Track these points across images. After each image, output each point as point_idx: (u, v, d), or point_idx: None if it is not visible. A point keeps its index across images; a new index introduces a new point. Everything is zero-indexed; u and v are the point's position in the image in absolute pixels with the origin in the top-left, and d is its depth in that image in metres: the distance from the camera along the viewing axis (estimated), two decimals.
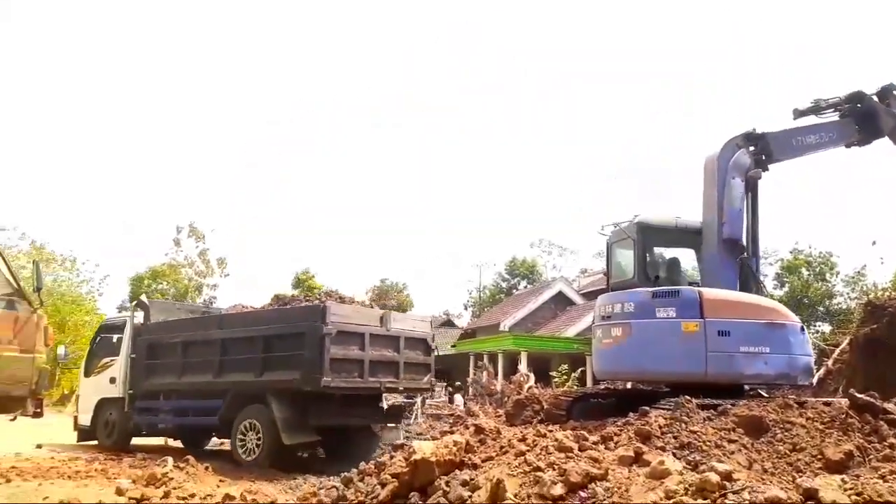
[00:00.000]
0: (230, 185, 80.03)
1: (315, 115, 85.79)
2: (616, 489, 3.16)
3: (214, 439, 12.30)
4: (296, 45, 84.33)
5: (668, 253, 9.11)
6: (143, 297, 15.07)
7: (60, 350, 14.78)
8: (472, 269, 79.51)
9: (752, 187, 8.43)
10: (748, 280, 8.28)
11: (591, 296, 30.18)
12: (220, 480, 7.73)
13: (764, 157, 8.44)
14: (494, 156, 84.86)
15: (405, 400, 11.84)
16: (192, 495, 6.38)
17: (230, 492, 5.81)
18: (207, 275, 33.09)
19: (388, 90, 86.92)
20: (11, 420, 8.21)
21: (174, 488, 6.66)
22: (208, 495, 6.42)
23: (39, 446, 11.22)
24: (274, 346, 9.98)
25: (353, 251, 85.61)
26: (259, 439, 9.72)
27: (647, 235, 8.72)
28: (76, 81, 74.53)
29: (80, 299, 29.70)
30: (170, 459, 9.19)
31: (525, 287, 44.17)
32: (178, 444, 12.23)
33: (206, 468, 8.60)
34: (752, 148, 8.36)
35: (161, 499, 6.21)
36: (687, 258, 9.44)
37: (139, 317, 12.35)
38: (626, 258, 9.13)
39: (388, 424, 11.22)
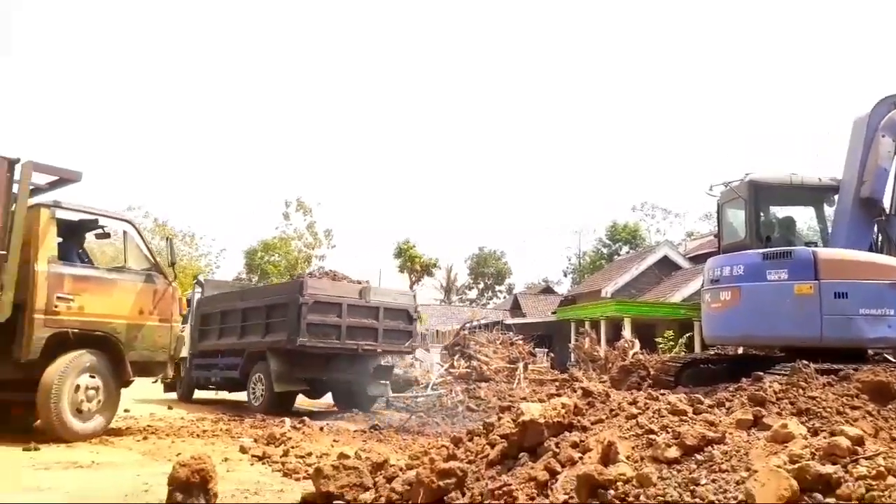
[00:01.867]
0: (335, 160, 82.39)
1: (414, 89, 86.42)
2: (734, 452, 3.04)
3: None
4: (395, 23, 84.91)
5: (783, 213, 8.67)
6: (201, 277, 18.77)
7: None
8: (572, 235, 78.46)
9: None
10: (885, 242, 7.76)
11: (698, 259, 29.08)
12: (334, 440, 8.08)
13: None
14: (593, 118, 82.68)
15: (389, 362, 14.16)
16: (309, 454, 6.71)
17: (344, 451, 6.05)
18: (315, 246, 34.29)
19: (487, 59, 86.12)
20: (154, 382, 8.94)
21: (292, 447, 7.03)
22: (324, 454, 6.73)
23: (170, 407, 12.14)
24: (272, 314, 12.26)
25: (453, 219, 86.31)
26: (263, 388, 12.00)
27: (760, 194, 8.29)
28: (189, 69, 78.41)
29: (199, 272, 31.58)
30: (287, 420, 9.72)
31: (627, 252, 43.07)
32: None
33: (321, 429, 9.04)
34: None
35: (281, 457, 6.56)
36: (804, 218, 8.94)
37: (199, 292, 15.03)
38: (738, 219, 8.74)
39: (379, 381, 13.31)
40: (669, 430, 3.35)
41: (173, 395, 14.38)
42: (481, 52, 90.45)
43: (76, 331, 7.54)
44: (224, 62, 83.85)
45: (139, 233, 8.81)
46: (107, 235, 8.91)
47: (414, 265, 33.80)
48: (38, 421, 7.58)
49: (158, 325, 8.46)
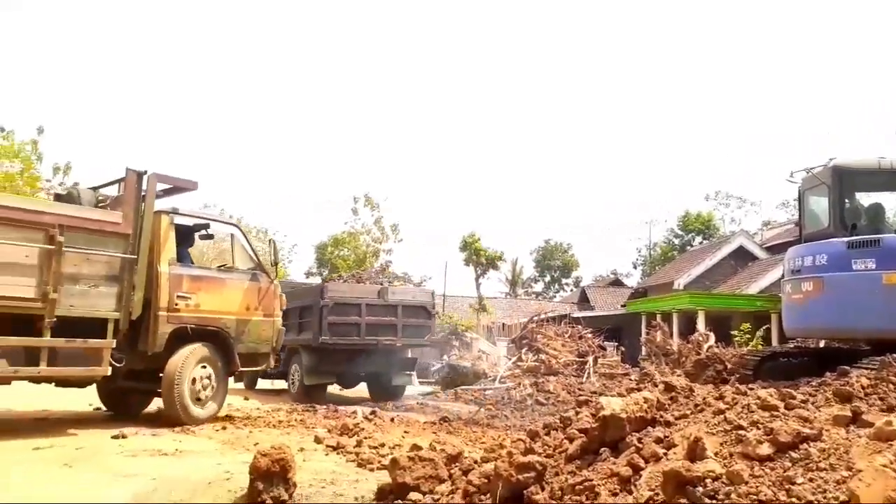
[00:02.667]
0: (403, 154, 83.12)
1: (481, 81, 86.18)
2: (833, 450, 2.87)
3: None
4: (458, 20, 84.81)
5: (871, 200, 8.24)
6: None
7: None
8: (642, 225, 76.72)
9: None
10: None
11: (775, 250, 27.99)
12: (405, 431, 8.12)
13: None
14: (664, 105, 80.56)
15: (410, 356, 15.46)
16: (382, 445, 6.75)
17: (417, 442, 6.07)
18: (383, 241, 34.65)
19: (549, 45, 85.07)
20: (260, 371, 9.94)
21: (365, 438, 7.10)
22: (396, 445, 6.77)
23: (246, 398, 12.49)
24: (303, 314, 13.61)
25: (518, 212, 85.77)
26: (297, 380, 13.45)
27: (845, 180, 7.89)
28: (261, 68, 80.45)
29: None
30: (359, 411, 9.85)
31: (700, 243, 41.82)
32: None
33: (392, 420, 9.12)
34: None
35: (354, 447, 6.62)
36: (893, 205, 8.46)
37: None
38: (821, 206, 8.35)
39: (403, 372, 14.66)
40: (760, 426, 3.18)
41: (241, 385, 14.94)
42: (547, 42, 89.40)
43: (193, 326, 8.31)
44: (294, 61, 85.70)
45: (244, 235, 9.60)
46: (210, 237, 9.73)
47: (479, 258, 33.68)
48: (163, 408, 8.28)
49: (263, 319, 9.20)
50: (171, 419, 7.99)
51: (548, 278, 66.49)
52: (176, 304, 8.14)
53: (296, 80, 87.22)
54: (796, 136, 72.85)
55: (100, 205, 8.28)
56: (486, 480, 3.50)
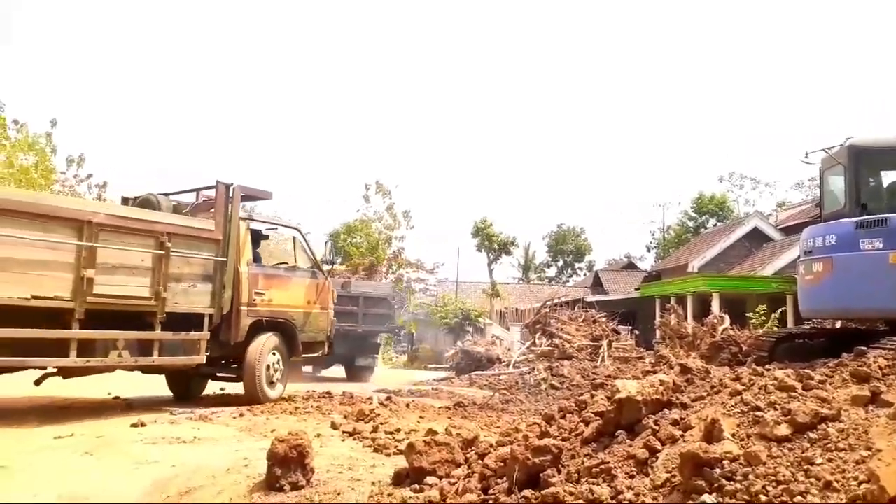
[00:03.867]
0: (414, 141, 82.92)
1: (490, 66, 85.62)
2: (852, 430, 2.85)
3: None
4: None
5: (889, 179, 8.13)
6: None
7: None
8: (655, 208, 76.25)
9: None
10: None
11: (790, 231, 27.73)
12: (420, 416, 8.15)
13: None
14: (675, 87, 79.75)
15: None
16: (398, 430, 6.78)
17: (433, 427, 6.09)
18: (395, 228, 34.67)
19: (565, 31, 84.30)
20: (317, 356, 11.05)
21: (381, 423, 7.13)
22: (412, 430, 6.79)
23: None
24: None
25: (531, 198, 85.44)
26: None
27: (861, 159, 7.79)
28: (274, 58, 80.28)
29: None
30: (375, 396, 9.90)
31: (715, 225, 41.52)
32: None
33: (407, 405, 9.15)
34: None
35: (371, 433, 6.66)
36: None
37: None
38: (839, 186, 8.25)
39: (368, 355, 17.39)
40: (777, 406, 3.17)
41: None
42: (558, 24, 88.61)
43: (267, 318, 9.45)
44: (307, 51, 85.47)
45: (304, 237, 10.69)
46: (266, 237, 10.63)
47: (492, 244, 33.67)
48: (243, 391, 9.34)
49: (320, 312, 10.50)
50: (251, 399, 9.07)
51: (561, 263, 66.33)
52: (254, 300, 9.25)
53: (308, 71, 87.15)
54: (813, 115, 71.98)
55: (179, 211, 9.32)
56: (502, 464, 3.51)
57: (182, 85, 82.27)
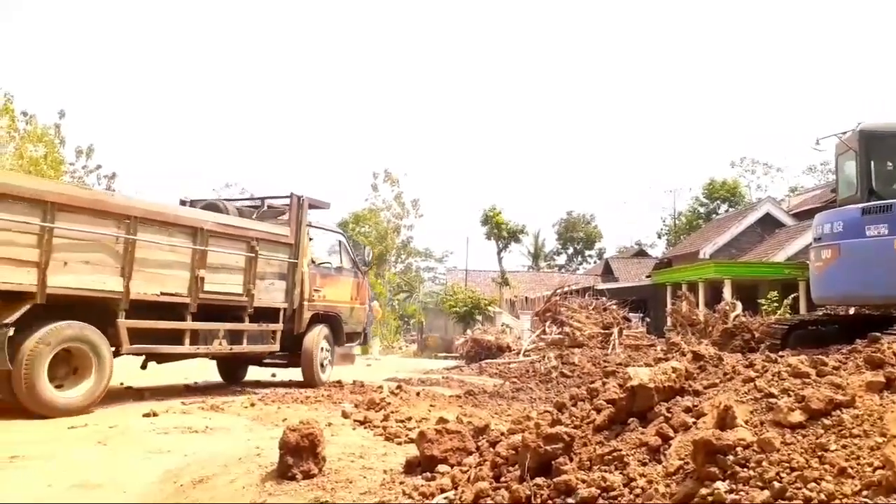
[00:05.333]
0: (421, 129, 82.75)
1: (500, 54, 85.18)
2: (867, 417, 2.81)
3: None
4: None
5: None
6: None
7: None
8: (666, 195, 75.85)
9: None
10: None
11: (802, 216, 27.53)
12: (431, 405, 8.15)
13: None
14: (685, 72, 79.06)
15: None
16: (409, 418, 6.78)
17: (444, 415, 6.09)
18: (403, 216, 34.63)
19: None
20: (358, 345, 12.93)
21: (392, 412, 7.14)
22: (423, 418, 6.79)
23: (273, 375, 12.63)
24: None
25: (540, 185, 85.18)
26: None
27: (872, 145, 7.72)
28: (280, 46, 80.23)
29: None
30: (385, 386, 9.92)
31: (726, 211, 41.24)
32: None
33: (417, 394, 9.16)
34: None
35: (381, 421, 6.66)
36: None
37: None
38: (853, 172, 8.18)
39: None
40: (791, 393, 3.13)
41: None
42: (568, 9, 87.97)
43: (321, 312, 10.92)
44: (314, 39, 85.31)
45: (347, 241, 12.35)
46: (311, 240, 11.60)
47: (501, 232, 33.57)
48: (301, 376, 10.68)
49: (360, 306, 12.19)
50: (308, 383, 10.38)
51: (571, 250, 66.18)
52: (313, 296, 10.62)
53: (315, 60, 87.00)
54: (825, 99, 71.24)
55: (243, 216, 10.39)
56: (513, 452, 3.50)
57: (188, 74, 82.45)
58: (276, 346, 9.98)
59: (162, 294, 8.19)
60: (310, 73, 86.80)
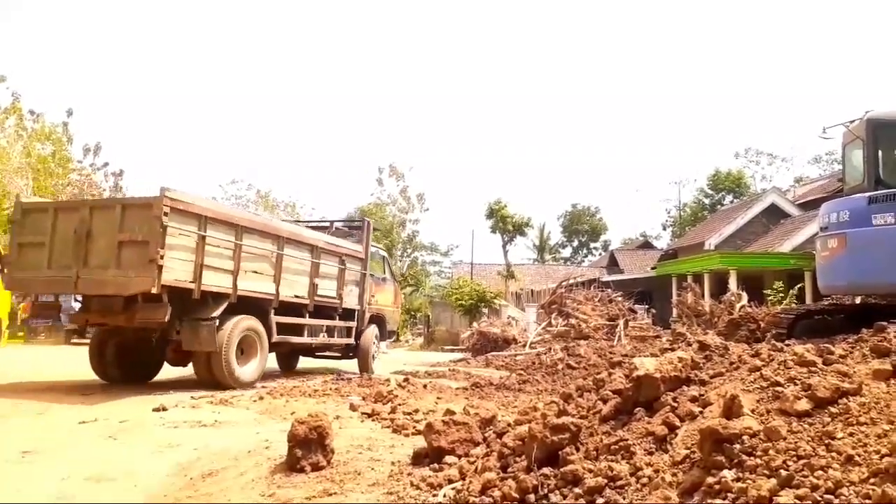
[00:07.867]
0: (426, 123, 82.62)
1: (505, 46, 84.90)
2: (874, 405, 2.82)
3: None
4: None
5: None
6: None
7: None
8: (671, 186, 75.58)
9: None
10: None
11: (807, 206, 27.44)
12: (438, 397, 8.18)
13: None
14: (689, 62, 78.67)
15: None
16: (416, 410, 6.81)
17: (451, 407, 6.11)
18: (409, 210, 34.60)
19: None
20: (392, 342, 14.79)
21: (399, 404, 7.17)
22: (430, 410, 6.82)
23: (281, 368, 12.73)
24: None
25: (545, 178, 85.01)
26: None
27: (880, 133, 7.66)
28: (282, 44, 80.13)
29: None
30: (392, 378, 9.95)
31: (731, 202, 41.10)
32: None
33: (424, 386, 9.19)
34: None
35: (389, 414, 6.69)
36: None
37: None
38: (860, 161, 8.14)
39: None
40: (797, 382, 3.14)
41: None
42: (571, 5, 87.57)
43: (374, 314, 13.25)
44: (317, 33, 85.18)
45: (389, 255, 15.05)
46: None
47: (506, 225, 33.51)
48: (357, 367, 12.56)
49: (396, 309, 15.01)
50: (363, 370, 12.24)
51: (576, 243, 66.12)
52: (370, 301, 12.95)
53: (320, 54, 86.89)
54: (831, 88, 70.84)
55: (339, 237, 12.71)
56: (520, 442, 3.53)
57: (193, 71, 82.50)
58: (352, 340, 12.34)
59: (295, 297, 10.47)
60: (315, 69, 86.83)
